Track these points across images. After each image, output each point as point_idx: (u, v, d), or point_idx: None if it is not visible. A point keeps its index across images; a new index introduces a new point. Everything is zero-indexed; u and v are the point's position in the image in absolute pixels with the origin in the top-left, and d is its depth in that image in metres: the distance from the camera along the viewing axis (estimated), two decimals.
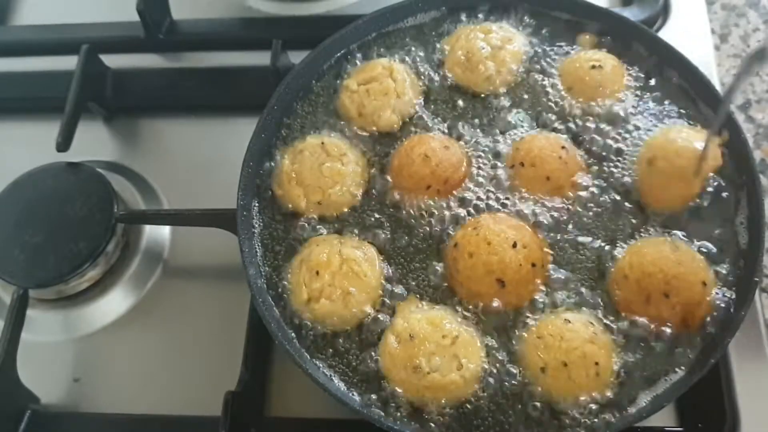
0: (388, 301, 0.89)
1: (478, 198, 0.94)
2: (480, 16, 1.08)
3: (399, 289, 0.90)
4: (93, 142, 1.18)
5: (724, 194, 0.92)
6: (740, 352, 0.92)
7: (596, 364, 0.81)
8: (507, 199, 0.93)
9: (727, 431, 0.88)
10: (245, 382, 0.92)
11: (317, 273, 0.88)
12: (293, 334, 0.88)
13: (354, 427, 0.88)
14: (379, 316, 0.88)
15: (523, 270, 0.87)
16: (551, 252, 0.90)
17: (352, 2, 1.29)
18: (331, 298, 0.87)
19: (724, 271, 0.87)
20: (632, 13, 1.16)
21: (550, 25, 1.07)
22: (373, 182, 0.97)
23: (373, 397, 0.84)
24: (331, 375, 0.86)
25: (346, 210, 0.95)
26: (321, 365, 0.86)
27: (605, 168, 0.95)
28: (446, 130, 1.00)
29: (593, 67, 1.00)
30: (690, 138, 0.92)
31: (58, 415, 0.98)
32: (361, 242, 0.92)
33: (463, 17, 1.08)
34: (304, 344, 0.88)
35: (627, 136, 0.97)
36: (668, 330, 0.84)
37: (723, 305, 0.85)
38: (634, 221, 0.91)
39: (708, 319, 0.85)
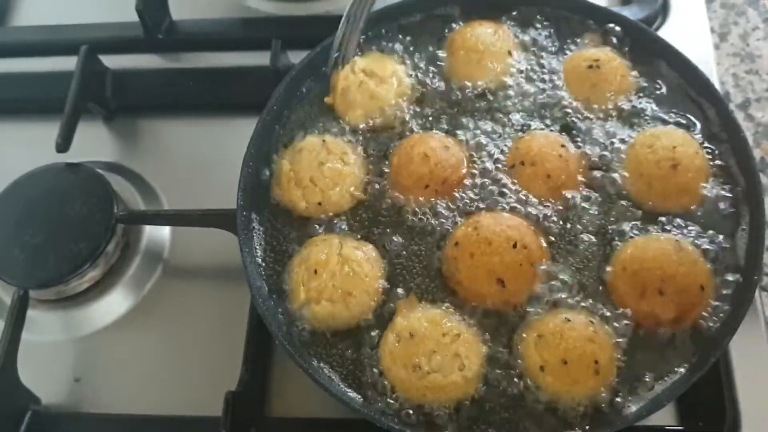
0: (388, 301, 0.89)
1: (478, 198, 0.94)
2: (480, 14, 1.08)
3: (399, 289, 0.90)
4: (93, 143, 1.18)
5: (724, 193, 0.92)
6: (741, 350, 0.91)
7: (596, 362, 0.81)
8: (507, 198, 0.93)
9: (728, 430, 0.88)
10: (245, 382, 0.92)
11: (315, 272, 0.88)
12: (293, 334, 0.88)
13: (354, 426, 0.88)
14: (379, 315, 0.88)
15: (523, 270, 0.87)
16: (551, 251, 0.90)
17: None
18: (331, 299, 0.87)
19: (724, 270, 0.87)
20: (631, 12, 1.16)
21: (551, 23, 1.07)
22: (373, 181, 0.97)
23: (374, 396, 0.84)
24: (331, 375, 0.86)
25: (346, 210, 0.95)
26: (321, 365, 0.87)
27: (605, 166, 0.95)
28: (446, 130, 1.00)
29: (590, 66, 1.00)
30: (674, 139, 0.93)
31: (59, 416, 0.98)
32: (361, 242, 0.92)
33: (463, 15, 1.08)
34: (304, 344, 0.88)
35: (626, 134, 0.97)
36: (663, 328, 0.84)
37: (723, 304, 0.85)
38: (634, 220, 0.91)
39: (704, 319, 0.85)
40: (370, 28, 1.07)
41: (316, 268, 0.88)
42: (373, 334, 0.87)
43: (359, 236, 0.93)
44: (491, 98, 1.02)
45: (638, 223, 0.91)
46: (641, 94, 1.00)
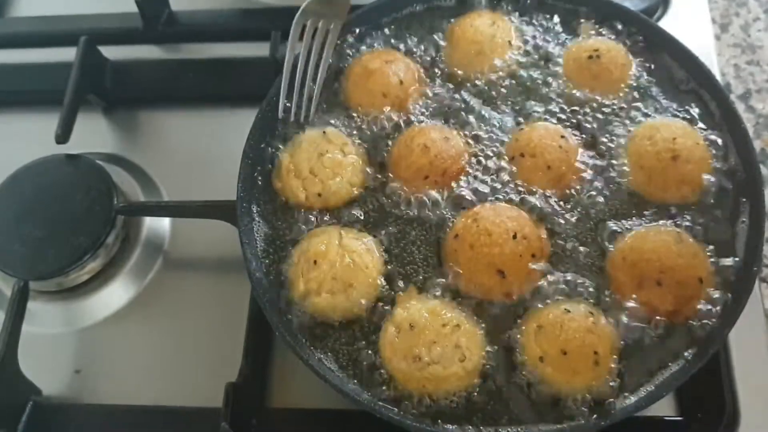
0: (388, 293, 0.89)
1: (479, 190, 0.94)
2: (480, 4, 1.08)
3: (399, 280, 0.90)
4: (92, 134, 1.18)
5: (725, 184, 0.92)
6: (740, 342, 0.92)
7: (595, 353, 0.81)
8: (508, 190, 0.93)
9: (727, 421, 0.88)
10: (246, 374, 0.92)
11: (315, 263, 0.88)
12: (293, 326, 0.88)
13: (354, 417, 0.89)
14: (379, 307, 0.88)
15: (523, 261, 0.87)
16: (551, 242, 0.90)
17: None
18: (332, 290, 0.87)
19: (724, 261, 0.87)
20: (632, 3, 1.15)
21: (552, 13, 1.07)
22: (373, 173, 0.97)
23: (374, 387, 0.84)
24: (331, 366, 0.86)
25: (346, 201, 0.95)
26: (321, 356, 0.87)
27: (605, 158, 0.95)
28: (446, 121, 0.99)
29: (590, 57, 1.00)
30: (674, 130, 0.93)
31: (60, 407, 0.98)
32: (361, 233, 0.92)
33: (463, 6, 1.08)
34: (304, 335, 0.88)
35: (626, 125, 0.97)
36: (662, 319, 0.84)
37: (723, 295, 0.85)
38: (634, 211, 0.91)
39: (702, 312, 0.85)
40: (370, 21, 1.07)
41: (316, 259, 0.88)
42: (373, 325, 0.88)
43: (359, 227, 0.93)
44: (491, 89, 1.02)
45: (639, 214, 0.91)
46: (641, 85, 1.00)
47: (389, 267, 0.91)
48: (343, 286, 0.87)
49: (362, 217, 0.94)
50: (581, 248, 0.90)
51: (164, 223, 1.11)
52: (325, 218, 0.94)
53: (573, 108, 0.99)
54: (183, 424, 0.96)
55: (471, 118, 0.99)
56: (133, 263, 1.07)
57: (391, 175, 0.96)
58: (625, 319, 0.85)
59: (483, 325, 0.86)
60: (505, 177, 0.94)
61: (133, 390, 0.99)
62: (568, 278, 0.88)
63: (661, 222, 0.90)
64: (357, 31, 1.07)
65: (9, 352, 0.94)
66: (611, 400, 0.81)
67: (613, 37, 1.03)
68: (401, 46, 1.06)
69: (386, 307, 0.88)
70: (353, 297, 0.87)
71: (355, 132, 0.99)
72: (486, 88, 1.02)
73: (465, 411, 0.83)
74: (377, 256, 0.90)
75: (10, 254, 1.02)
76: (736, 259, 0.87)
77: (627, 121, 0.97)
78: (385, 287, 0.89)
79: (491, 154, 0.96)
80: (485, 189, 0.94)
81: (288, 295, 0.90)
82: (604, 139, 0.96)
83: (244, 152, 0.95)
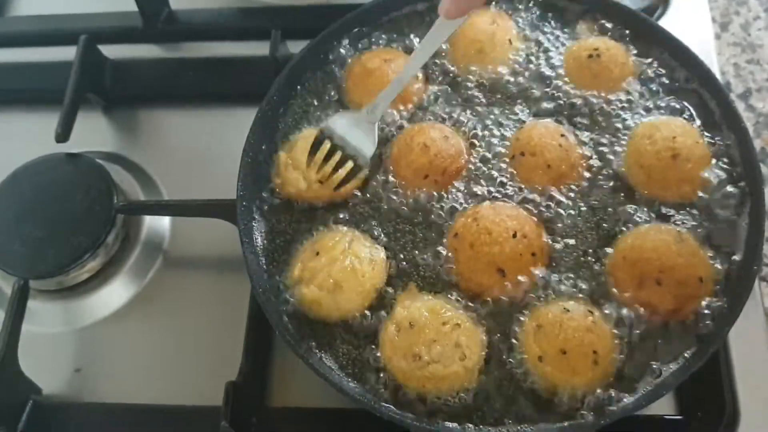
0: (388, 292, 0.89)
1: (478, 188, 0.94)
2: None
3: (399, 279, 0.90)
4: (92, 133, 1.18)
5: (725, 183, 0.92)
6: (740, 341, 0.91)
7: (595, 352, 0.81)
8: (507, 189, 0.93)
9: (727, 420, 0.88)
10: (246, 372, 0.92)
11: (317, 254, 0.88)
12: (293, 325, 0.88)
13: (354, 417, 0.89)
14: (378, 306, 0.88)
15: (523, 259, 0.87)
16: (551, 241, 0.90)
17: None
18: (321, 285, 0.86)
19: (723, 260, 0.87)
20: (632, 1, 1.15)
21: (552, 12, 1.07)
22: (373, 171, 0.97)
23: (374, 386, 0.84)
24: (331, 365, 0.86)
25: (345, 196, 0.95)
26: (321, 355, 0.87)
27: (605, 157, 0.95)
28: (447, 120, 0.99)
29: (590, 56, 1.00)
30: (673, 129, 0.93)
31: (60, 406, 0.98)
32: (374, 244, 0.91)
33: None
34: (304, 334, 0.88)
35: (626, 124, 0.97)
36: (662, 318, 0.84)
37: (723, 294, 0.85)
38: (634, 210, 0.91)
39: (703, 310, 0.84)
40: (370, 20, 1.07)
41: (319, 250, 0.88)
42: (373, 324, 0.87)
43: (358, 227, 0.93)
44: (491, 88, 1.02)
45: (639, 213, 0.91)
46: (641, 84, 1.00)
47: (389, 267, 0.90)
48: (333, 285, 0.86)
49: (362, 217, 0.94)
50: (581, 247, 0.90)
51: (164, 222, 1.11)
52: (325, 217, 0.94)
53: (573, 107, 0.99)
54: (183, 423, 0.96)
55: (471, 117, 0.99)
56: (133, 262, 1.07)
57: (391, 172, 0.96)
58: (624, 318, 0.85)
59: (483, 324, 0.86)
60: (505, 176, 0.94)
61: (133, 389, 0.99)
62: (568, 277, 0.88)
63: (661, 221, 0.90)
64: (356, 30, 1.07)
65: (9, 351, 0.94)
66: (611, 398, 0.81)
67: (613, 36, 1.03)
68: (401, 45, 1.06)
69: (386, 307, 0.88)
70: (340, 300, 0.87)
71: None
72: (486, 86, 1.02)
73: (465, 410, 0.83)
74: (379, 269, 0.89)
75: (10, 253, 1.02)
76: (736, 258, 0.87)
77: (627, 120, 0.97)
78: (385, 287, 0.89)
79: (491, 153, 0.96)
80: (485, 188, 0.94)
81: (283, 280, 0.90)
82: (604, 138, 0.96)
83: (243, 151, 0.95)
